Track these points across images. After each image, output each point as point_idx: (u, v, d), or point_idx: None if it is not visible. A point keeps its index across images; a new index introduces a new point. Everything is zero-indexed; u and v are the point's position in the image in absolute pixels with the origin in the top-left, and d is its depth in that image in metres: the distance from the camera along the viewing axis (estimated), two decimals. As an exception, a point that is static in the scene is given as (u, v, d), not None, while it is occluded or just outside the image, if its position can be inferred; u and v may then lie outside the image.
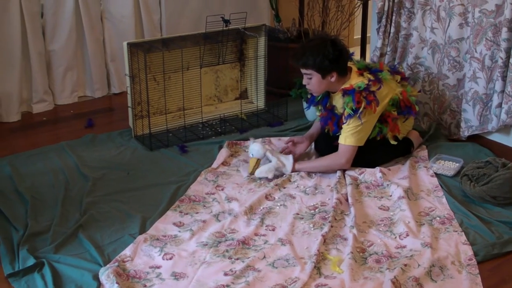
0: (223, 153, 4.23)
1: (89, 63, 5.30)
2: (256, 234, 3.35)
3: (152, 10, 5.47)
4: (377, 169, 3.96)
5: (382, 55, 4.85)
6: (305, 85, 4.05)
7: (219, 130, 4.67)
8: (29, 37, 4.89)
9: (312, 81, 3.95)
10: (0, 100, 4.86)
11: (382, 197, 3.73)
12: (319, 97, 4.13)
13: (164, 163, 4.19)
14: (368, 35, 5.51)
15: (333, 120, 4.08)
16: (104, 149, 4.40)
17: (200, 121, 4.77)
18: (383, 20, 4.75)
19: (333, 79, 3.91)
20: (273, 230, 3.41)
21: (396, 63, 4.78)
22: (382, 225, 3.45)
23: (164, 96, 4.65)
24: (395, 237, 3.32)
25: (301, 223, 3.47)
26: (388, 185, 3.82)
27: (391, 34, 4.77)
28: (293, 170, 3.99)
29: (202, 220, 3.46)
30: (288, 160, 4.01)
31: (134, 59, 4.41)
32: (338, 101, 4.03)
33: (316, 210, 3.60)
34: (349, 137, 3.91)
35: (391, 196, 3.73)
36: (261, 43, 4.88)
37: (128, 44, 4.37)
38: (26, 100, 5.08)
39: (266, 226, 3.44)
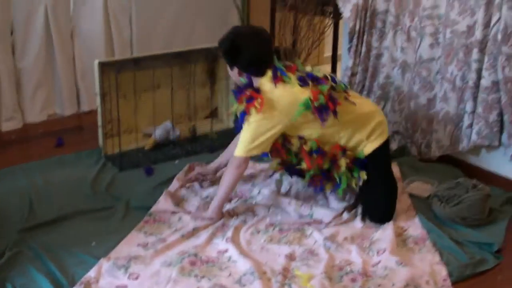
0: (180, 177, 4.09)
1: (59, 81, 5.24)
2: (219, 252, 3.31)
3: (122, 27, 5.42)
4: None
5: (353, 74, 4.85)
6: None
7: (190, 149, 4.64)
8: (-2, 54, 4.84)
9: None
10: (-31, 117, 4.79)
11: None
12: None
13: (129, 185, 4.11)
14: (339, 52, 5.51)
15: None
16: (73, 169, 4.32)
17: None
18: (354, 40, 4.75)
19: (234, 77, 3.54)
20: (233, 243, 3.37)
21: (367, 82, 4.78)
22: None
23: (134, 114, 4.62)
24: (373, 255, 3.31)
25: (257, 238, 3.45)
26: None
27: (362, 54, 4.77)
28: None
29: (163, 239, 3.41)
30: None
31: (105, 77, 4.36)
32: None
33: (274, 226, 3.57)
34: (239, 145, 3.47)
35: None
36: (232, 62, 4.85)
37: (99, 63, 4.32)
38: (-5, 118, 5.02)
39: (226, 239, 3.40)
